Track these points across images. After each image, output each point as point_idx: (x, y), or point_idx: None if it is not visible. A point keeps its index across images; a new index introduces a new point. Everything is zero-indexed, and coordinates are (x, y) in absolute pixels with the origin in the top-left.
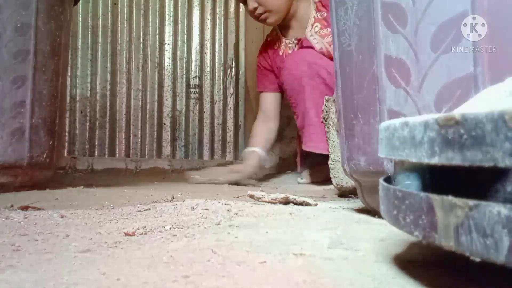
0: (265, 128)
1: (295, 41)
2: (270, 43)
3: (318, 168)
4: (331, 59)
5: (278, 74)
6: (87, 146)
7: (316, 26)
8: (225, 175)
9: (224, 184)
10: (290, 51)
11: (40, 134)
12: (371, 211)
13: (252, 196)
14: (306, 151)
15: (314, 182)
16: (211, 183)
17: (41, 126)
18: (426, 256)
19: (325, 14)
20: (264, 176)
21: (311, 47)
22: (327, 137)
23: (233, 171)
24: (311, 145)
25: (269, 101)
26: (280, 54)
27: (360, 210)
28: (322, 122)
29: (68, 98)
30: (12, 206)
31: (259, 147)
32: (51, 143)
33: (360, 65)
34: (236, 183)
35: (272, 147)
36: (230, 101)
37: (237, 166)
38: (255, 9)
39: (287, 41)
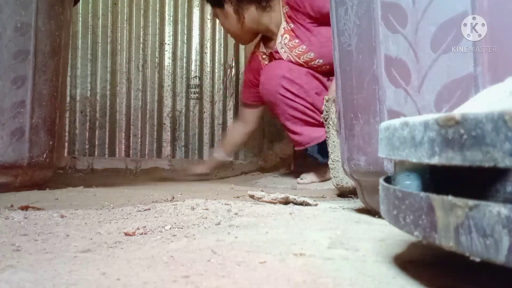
0: (235, 133)
1: (268, 54)
2: (255, 56)
3: (318, 168)
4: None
5: None
6: (87, 146)
7: (286, 38)
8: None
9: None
10: (266, 62)
11: (40, 134)
12: (371, 211)
13: (252, 196)
14: (302, 153)
15: (314, 182)
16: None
17: (41, 126)
18: (426, 256)
19: (292, 26)
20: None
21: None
22: (327, 137)
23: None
24: (304, 142)
25: (249, 114)
26: (264, 65)
27: (360, 210)
28: (307, 123)
29: (68, 98)
30: (12, 206)
31: (221, 151)
32: (51, 143)
33: (360, 65)
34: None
35: (273, 146)
36: (230, 101)
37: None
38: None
39: (261, 53)
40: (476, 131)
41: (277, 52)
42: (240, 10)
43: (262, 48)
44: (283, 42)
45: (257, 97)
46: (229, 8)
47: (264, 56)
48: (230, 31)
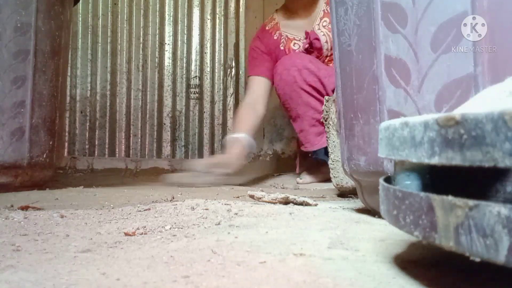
0: (252, 113)
1: (304, 36)
2: (268, 32)
3: (318, 168)
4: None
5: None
6: (87, 146)
7: (325, 21)
8: (206, 176)
9: (206, 186)
10: (295, 48)
11: (40, 134)
12: (371, 211)
13: (252, 196)
14: (304, 153)
15: (314, 182)
16: (190, 186)
17: (41, 126)
18: (426, 256)
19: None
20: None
21: (317, 39)
22: (327, 137)
23: (215, 166)
24: (308, 145)
25: (261, 86)
26: (281, 48)
27: (360, 210)
28: (316, 123)
29: (68, 98)
30: (12, 206)
31: (244, 133)
32: (51, 143)
33: (360, 65)
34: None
35: (272, 146)
36: (230, 101)
37: (219, 158)
38: None
39: (289, 36)
40: (476, 131)
41: (313, 33)
42: None
43: (285, 31)
44: (322, 24)
45: (270, 69)
46: None
47: (295, 41)
48: None
